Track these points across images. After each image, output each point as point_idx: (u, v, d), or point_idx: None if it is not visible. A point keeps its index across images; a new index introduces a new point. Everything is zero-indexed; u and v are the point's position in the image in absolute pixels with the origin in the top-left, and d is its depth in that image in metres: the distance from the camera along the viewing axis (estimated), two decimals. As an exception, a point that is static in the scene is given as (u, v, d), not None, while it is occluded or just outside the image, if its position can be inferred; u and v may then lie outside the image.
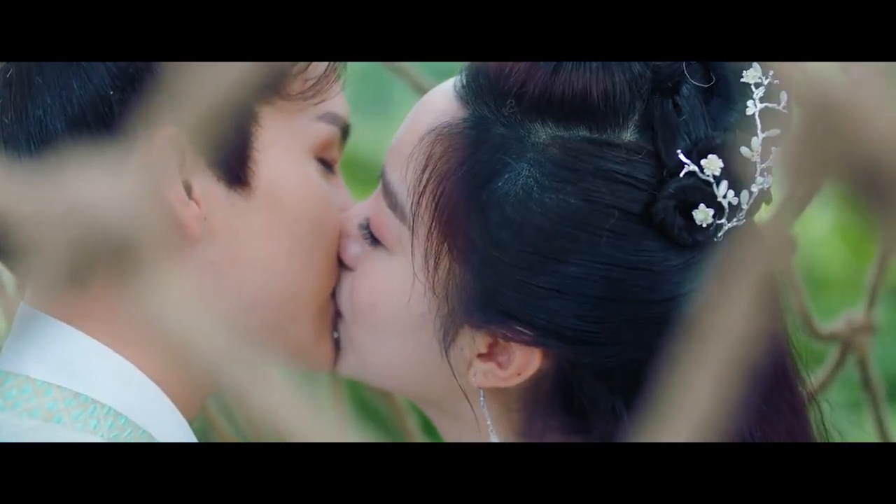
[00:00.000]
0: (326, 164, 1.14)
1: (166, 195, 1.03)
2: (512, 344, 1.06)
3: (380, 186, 1.12)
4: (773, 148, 1.02)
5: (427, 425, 1.35)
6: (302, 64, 1.11)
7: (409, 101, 1.22)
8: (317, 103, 1.12)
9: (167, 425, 1.06)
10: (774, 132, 1.02)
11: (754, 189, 1.03)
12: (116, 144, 0.99)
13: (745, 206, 1.03)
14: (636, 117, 1.04)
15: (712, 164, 1.02)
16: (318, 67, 1.12)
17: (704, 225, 1.02)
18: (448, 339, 1.08)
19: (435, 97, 1.10)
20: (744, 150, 1.02)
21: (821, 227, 3.00)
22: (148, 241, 0.50)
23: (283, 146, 1.10)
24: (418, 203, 1.07)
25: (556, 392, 1.08)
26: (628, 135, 1.03)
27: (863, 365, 1.72)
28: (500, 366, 1.08)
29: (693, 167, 1.02)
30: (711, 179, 1.02)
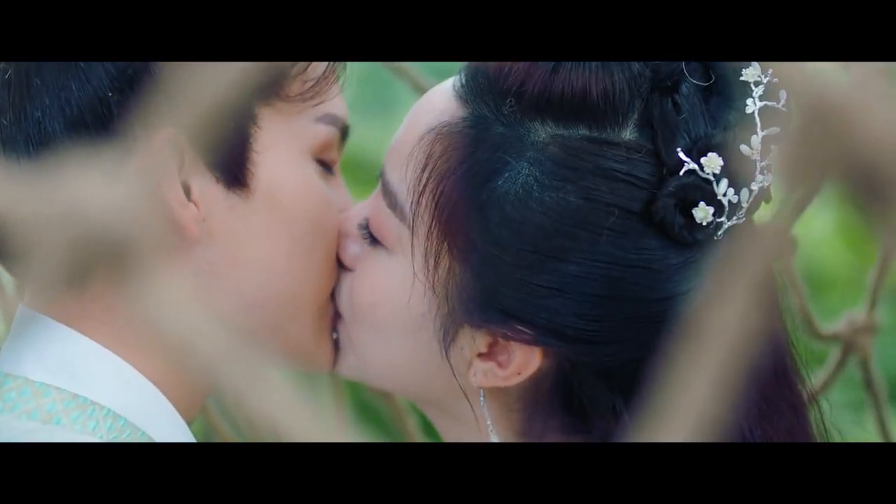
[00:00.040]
0: (325, 166, 1.14)
1: (165, 196, 1.03)
2: (512, 343, 1.06)
3: (379, 186, 1.12)
4: (772, 146, 1.02)
5: (427, 426, 1.35)
6: (301, 65, 1.11)
7: (409, 101, 1.22)
8: (316, 104, 1.11)
9: (166, 427, 1.06)
10: (774, 130, 1.02)
11: (754, 187, 1.03)
12: (115, 146, 0.99)
13: (745, 205, 1.03)
14: (636, 116, 1.04)
15: (712, 163, 1.02)
16: (318, 69, 1.12)
17: (704, 223, 1.02)
18: (448, 338, 1.07)
19: (434, 97, 1.10)
20: (743, 148, 1.02)
21: (821, 227, 3.00)
22: (147, 242, 0.50)
23: (282, 147, 1.10)
24: (418, 202, 1.07)
25: (556, 392, 1.08)
26: (628, 133, 1.03)
27: (865, 365, 1.72)
28: (500, 365, 1.08)
29: (693, 165, 1.02)
30: (711, 177, 1.02)
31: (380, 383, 1.24)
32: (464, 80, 1.07)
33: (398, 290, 1.09)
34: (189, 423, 1.09)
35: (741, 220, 1.03)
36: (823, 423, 1.14)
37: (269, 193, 1.09)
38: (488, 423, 1.10)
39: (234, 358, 0.50)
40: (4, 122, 1.05)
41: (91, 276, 0.51)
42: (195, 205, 1.06)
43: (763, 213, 1.05)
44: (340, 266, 1.15)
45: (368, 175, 1.20)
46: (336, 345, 1.17)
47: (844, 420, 1.20)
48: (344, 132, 1.15)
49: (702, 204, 1.02)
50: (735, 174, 1.02)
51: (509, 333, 1.05)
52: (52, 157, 1.03)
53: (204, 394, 1.12)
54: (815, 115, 0.46)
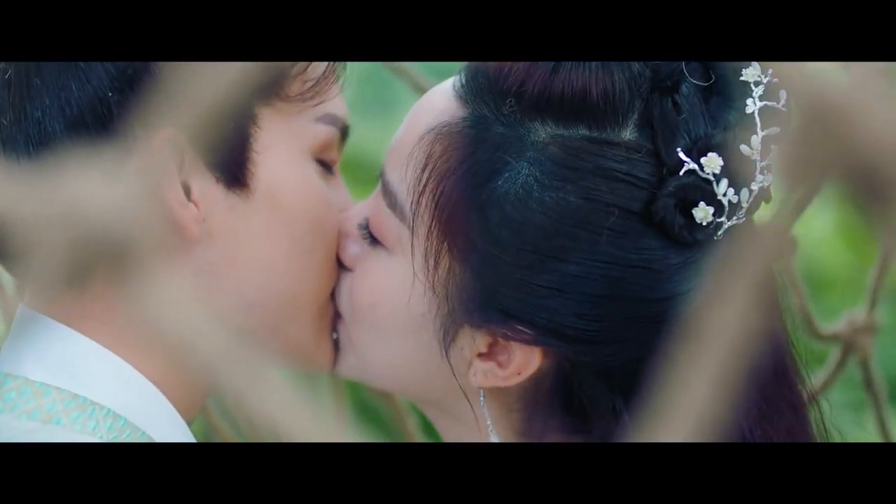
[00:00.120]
0: (325, 166, 1.14)
1: (165, 197, 1.03)
2: (512, 343, 1.06)
3: (379, 186, 1.12)
4: (772, 146, 1.02)
5: (427, 426, 1.35)
6: (301, 65, 1.11)
7: (409, 101, 1.22)
8: (316, 104, 1.11)
9: (166, 427, 1.06)
10: (774, 130, 1.02)
11: (754, 187, 1.03)
12: (115, 146, 0.99)
13: (745, 204, 1.03)
14: (636, 116, 1.04)
15: (712, 163, 1.02)
16: (317, 69, 1.12)
17: (704, 223, 1.02)
18: (448, 338, 1.07)
19: (434, 97, 1.10)
20: (743, 148, 1.02)
21: (821, 227, 3.00)
22: (147, 242, 0.50)
23: (282, 147, 1.10)
24: (418, 202, 1.07)
25: (556, 392, 1.08)
26: (628, 133, 1.03)
27: (865, 365, 1.72)
28: (500, 365, 1.08)
29: (693, 165, 1.02)
30: (711, 177, 1.02)
31: (380, 383, 1.24)
32: (464, 80, 1.07)
33: (398, 290, 1.09)
34: (189, 423, 1.09)
35: (741, 220, 1.03)
36: (823, 423, 1.14)
37: (269, 193, 1.09)
38: (488, 423, 1.10)
39: (234, 358, 0.50)
40: (4, 122, 1.05)
41: (91, 276, 0.51)
42: (195, 205, 1.06)
43: (763, 213, 1.05)
44: (340, 266, 1.15)
45: (368, 175, 1.20)
46: (336, 345, 1.17)
47: (844, 420, 1.20)
48: (344, 132, 1.15)
49: (702, 204, 1.02)
50: (735, 174, 1.02)
51: (509, 333, 1.05)
52: (52, 157, 1.03)
53: (204, 394, 1.12)
54: (815, 115, 0.46)
